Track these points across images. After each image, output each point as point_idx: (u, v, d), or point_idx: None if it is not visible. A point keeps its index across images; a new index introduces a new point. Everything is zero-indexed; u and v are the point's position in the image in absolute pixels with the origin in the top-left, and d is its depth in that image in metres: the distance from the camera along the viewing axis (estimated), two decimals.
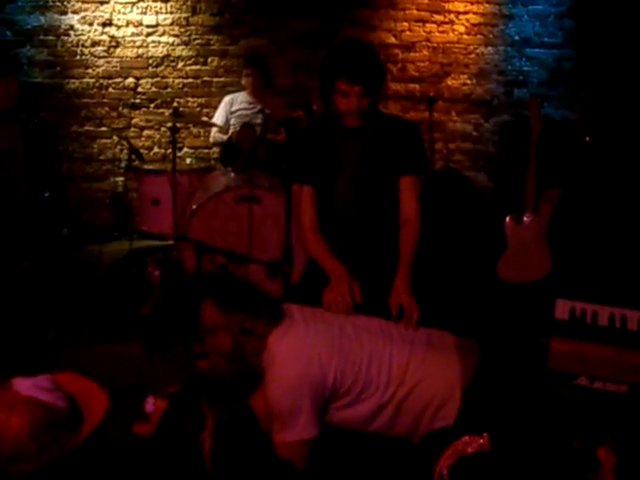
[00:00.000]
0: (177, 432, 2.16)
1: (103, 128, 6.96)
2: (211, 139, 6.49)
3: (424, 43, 7.30)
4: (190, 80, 7.02)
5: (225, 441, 2.21)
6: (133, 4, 6.75)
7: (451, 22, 7.29)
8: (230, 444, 2.24)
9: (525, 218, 4.73)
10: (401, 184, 2.99)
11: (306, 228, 3.00)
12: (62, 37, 6.71)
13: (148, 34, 6.84)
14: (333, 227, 3.02)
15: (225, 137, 6.13)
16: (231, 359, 2.40)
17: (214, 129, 6.39)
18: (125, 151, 6.52)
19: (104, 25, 6.74)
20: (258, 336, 2.39)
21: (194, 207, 4.99)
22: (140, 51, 6.86)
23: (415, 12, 7.24)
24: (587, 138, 5.93)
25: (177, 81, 6.99)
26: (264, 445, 2.35)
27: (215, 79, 7.04)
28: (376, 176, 2.97)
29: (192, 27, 6.90)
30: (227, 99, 6.35)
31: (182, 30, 6.88)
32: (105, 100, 6.91)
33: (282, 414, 2.33)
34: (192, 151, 7.11)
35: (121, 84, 6.90)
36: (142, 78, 6.92)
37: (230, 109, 6.30)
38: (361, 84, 2.79)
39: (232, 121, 6.27)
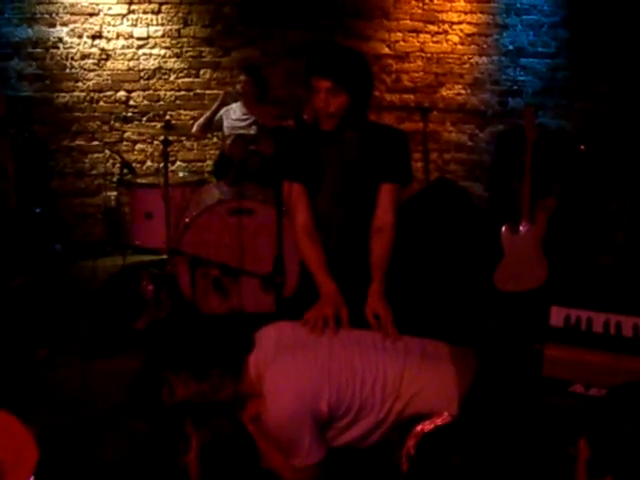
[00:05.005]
0: (160, 456, 2.08)
1: (94, 142, 6.90)
2: (194, 128, 6.43)
3: (418, 53, 7.29)
4: (182, 93, 6.98)
5: (212, 463, 2.13)
6: (123, 16, 6.71)
7: (445, 32, 7.28)
8: (218, 466, 2.16)
9: (521, 227, 4.71)
10: (380, 191, 2.96)
11: (298, 227, 2.97)
12: (51, 50, 6.65)
13: (139, 46, 6.79)
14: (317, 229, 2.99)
15: (208, 114, 6.16)
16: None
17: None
18: (117, 165, 6.47)
19: (94, 38, 6.69)
20: (226, 390, 2.30)
21: (187, 220, 4.94)
22: (131, 64, 6.81)
23: (409, 22, 7.22)
24: (582, 147, 5.93)
25: (169, 94, 6.95)
26: (254, 465, 2.28)
27: (207, 91, 6.99)
28: (359, 182, 2.94)
29: (184, 39, 6.86)
30: (223, 110, 6.31)
31: (174, 42, 6.85)
32: (96, 114, 6.85)
33: (283, 444, 2.28)
34: (185, 164, 7.06)
35: (112, 97, 6.85)
36: (134, 91, 6.88)
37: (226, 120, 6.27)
38: (329, 78, 2.76)
39: (226, 132, 6.23)
